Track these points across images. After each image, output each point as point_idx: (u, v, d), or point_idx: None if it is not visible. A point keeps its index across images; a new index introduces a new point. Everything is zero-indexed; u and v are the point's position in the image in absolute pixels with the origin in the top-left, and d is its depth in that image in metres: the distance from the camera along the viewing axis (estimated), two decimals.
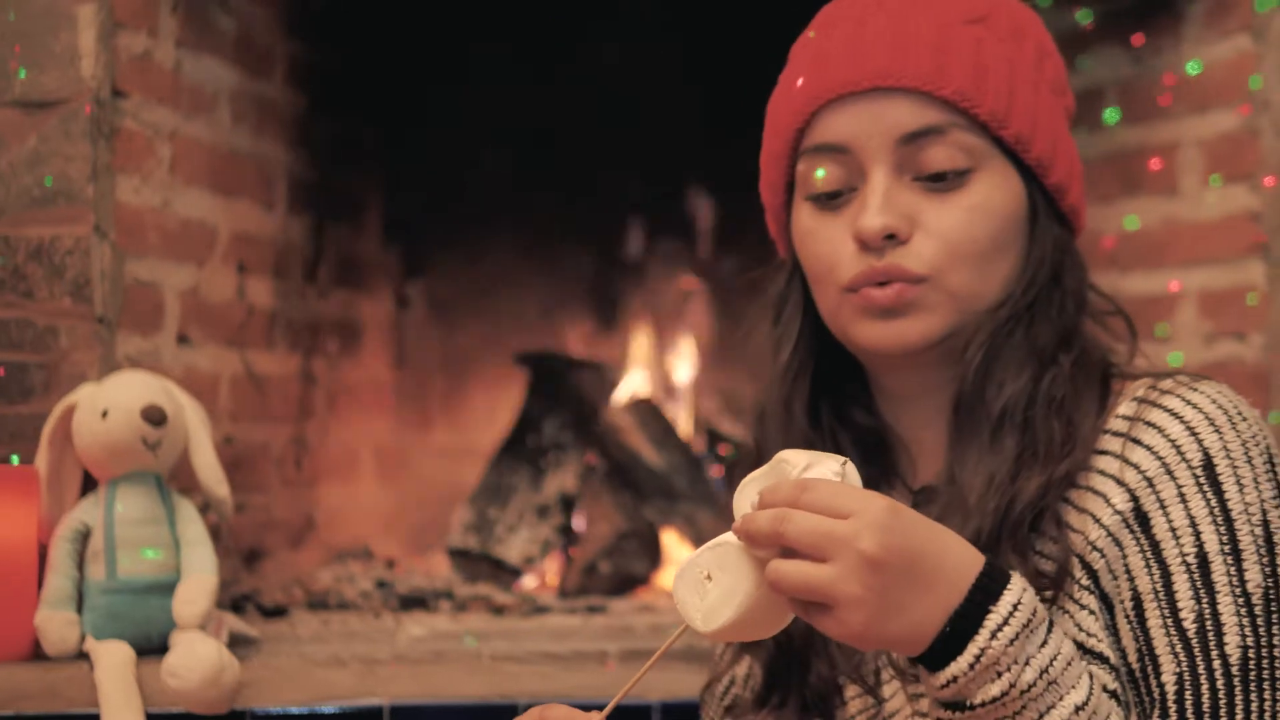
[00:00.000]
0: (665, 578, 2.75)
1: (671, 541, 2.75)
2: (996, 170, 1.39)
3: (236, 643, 2.06)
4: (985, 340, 1.39)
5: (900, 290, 1.37)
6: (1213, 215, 2.39)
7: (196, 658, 1.87)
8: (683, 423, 3.15)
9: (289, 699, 1.97)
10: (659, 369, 3.29)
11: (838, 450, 1.34)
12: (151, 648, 1.95)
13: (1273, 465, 1.30)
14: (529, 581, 2.69)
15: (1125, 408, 1.35)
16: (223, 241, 2.48)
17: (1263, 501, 1.28)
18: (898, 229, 1.36)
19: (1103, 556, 1.32)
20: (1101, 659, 1.30)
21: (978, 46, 1.39)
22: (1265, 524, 1.28)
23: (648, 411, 2.92)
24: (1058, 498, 1.34)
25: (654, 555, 2.71)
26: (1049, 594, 1.32)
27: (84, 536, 1.98)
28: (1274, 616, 1.26)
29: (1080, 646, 1.30)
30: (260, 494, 2.64)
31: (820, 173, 1.42)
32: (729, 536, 1.22)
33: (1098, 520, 1.32)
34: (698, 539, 2.75)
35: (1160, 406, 1.33)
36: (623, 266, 3.36)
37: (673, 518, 2.77)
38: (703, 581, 1.24)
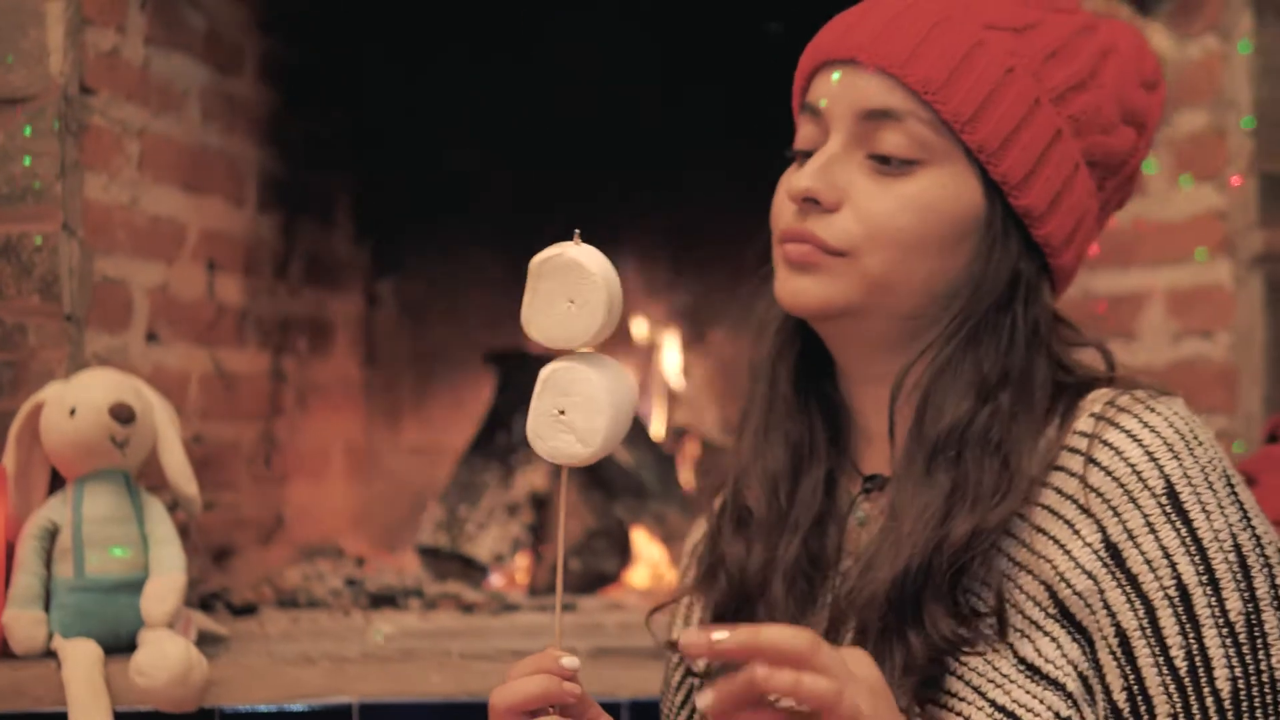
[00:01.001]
0: (635, 576, 2.75)
1: (641, 540, 2.75)
2: (950, 171, 1.36)
3: (205, 641, 2.06)
4: (930, 359, 1.37)
5: (808, 252, 1.37)
6: (1181, 215, 2.40)
7: (165, 656, 1.87)
8: (653, 421, 3.15)
9: (257, 697, 1.97)
10: (630, 367, 3.29)
11: (810, 422, 1.48)
12: (120, 646, 1.94)
13: (1233, 488, 1.29)
14: (498, 579, 2.69)
15: (1083, 423, 1.33)
16: (192, 239, 2.48)
17: (1230, 526, 1.28)
18: (820, 195, 1.36)
19: (1074, 591, 1.29)
20: (1057, 685, 1.28)
21: (976, 48, 1.36)
22: (1237, 548, 1.27)
23: None
24: (987, 546, 1.31)
25: (624, 553, 2.72)
26: (987, 632, 1.30)
27: (52, 535, 1.97)
28: (1258, 643, 1.26)
29: (1036, 670, 1.29)
30: (229, 492, 2.64)
31: (802, 131, 1.44)
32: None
33: (1066, 550, 1.30)
34: (667, 537, 2.76)
35: (1118, 426, 1.31)
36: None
37: (642, 516, 2.77)
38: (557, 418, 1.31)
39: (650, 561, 2.77)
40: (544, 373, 1.30)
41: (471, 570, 2.67)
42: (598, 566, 2.66)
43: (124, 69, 2.27)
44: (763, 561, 1.45)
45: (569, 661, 1.33)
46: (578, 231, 1.36)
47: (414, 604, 2.50)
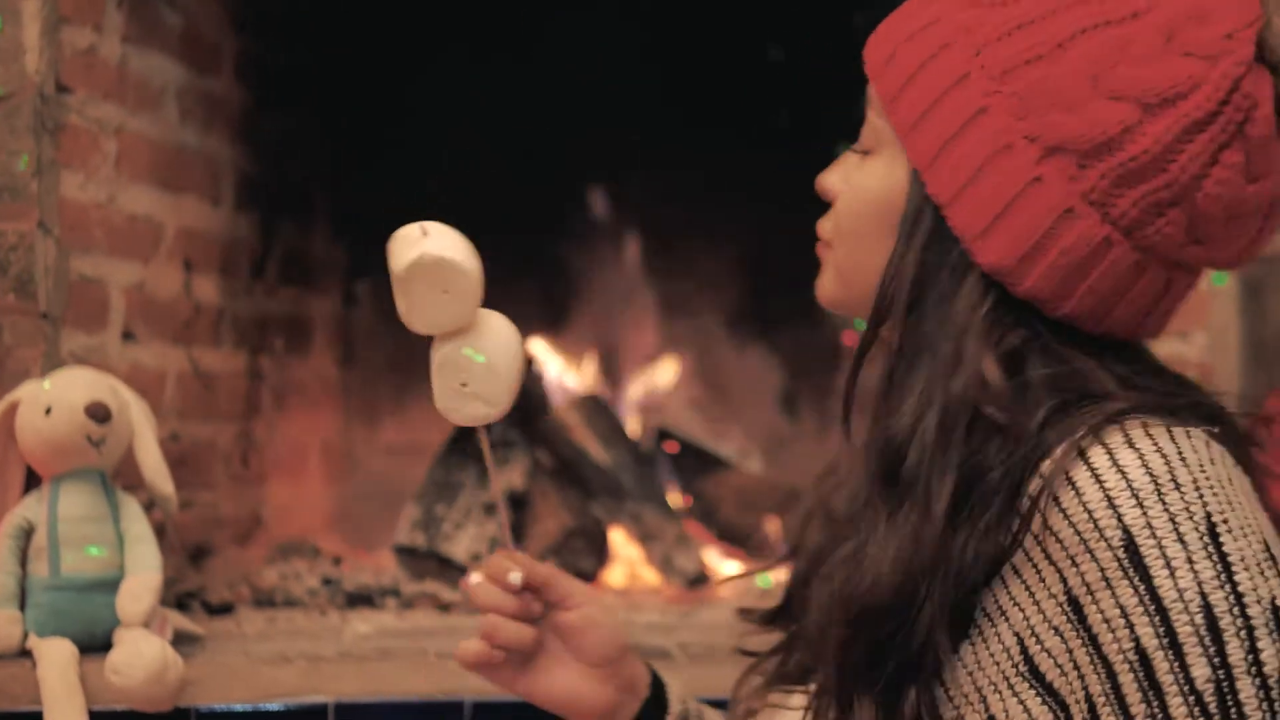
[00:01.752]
0: (613, 575, 2.76)
1: (619, 539, 2.75)
2: (888, 158, 1.31)
3: (181, 640, 2.06)
4: (881, 366, 1.32)
5: (818, 246, 1.37)
6: None
7: (140, 655, 1.86)
8: (630, 420, 3.16)
9: (233, 696, 1.97)
10: (608, 366, 3.30)
11: None
12: (95, 645, 1.94)
13: (1214, 538, 1.13)
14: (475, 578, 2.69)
15: (1062, 449, 1.19)
16: (169, 238, 2.47)
17: (1200, 584, 1.12)
18: (823, 189, 1.36)
19: (1043, 648, 1.19)
20: None
21: (940, 35, 1.27)
22: (1206, 609, 1.11)
23: (595, 409, 2.93)
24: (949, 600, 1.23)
25: (601, 553, 2.72)
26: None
27: (27, 534, 1.97)
28: (1231, 714, 1.11)
29: None
30: (206, 491, 2.63)
31: None
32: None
33: (1034, 599, 1.19)
34: (645, 537, 2.76)
35: (1086, 461, 1.17)
36: (572, 264, 3.36)
37: (620, 515, 2.77)
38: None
39: (627, 561, 2.77)
40: (436, 357, 1.42)
41: (449, 570, 2.67)
42: (575, 566, 2.66)
43: (101, 67, 2.26)
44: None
45: (514, 577, 1.44)
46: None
47: (391, 603, 2.50)
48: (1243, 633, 1.11)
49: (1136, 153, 1.18)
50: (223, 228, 2.69)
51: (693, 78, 3.17)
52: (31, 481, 2.03)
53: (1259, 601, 1.12)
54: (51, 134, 2.14)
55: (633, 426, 3.14)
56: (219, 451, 2.69)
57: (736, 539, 2.93)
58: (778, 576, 1.50)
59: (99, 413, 1.96)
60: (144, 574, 1.97)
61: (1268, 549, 1.15)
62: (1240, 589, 1.12)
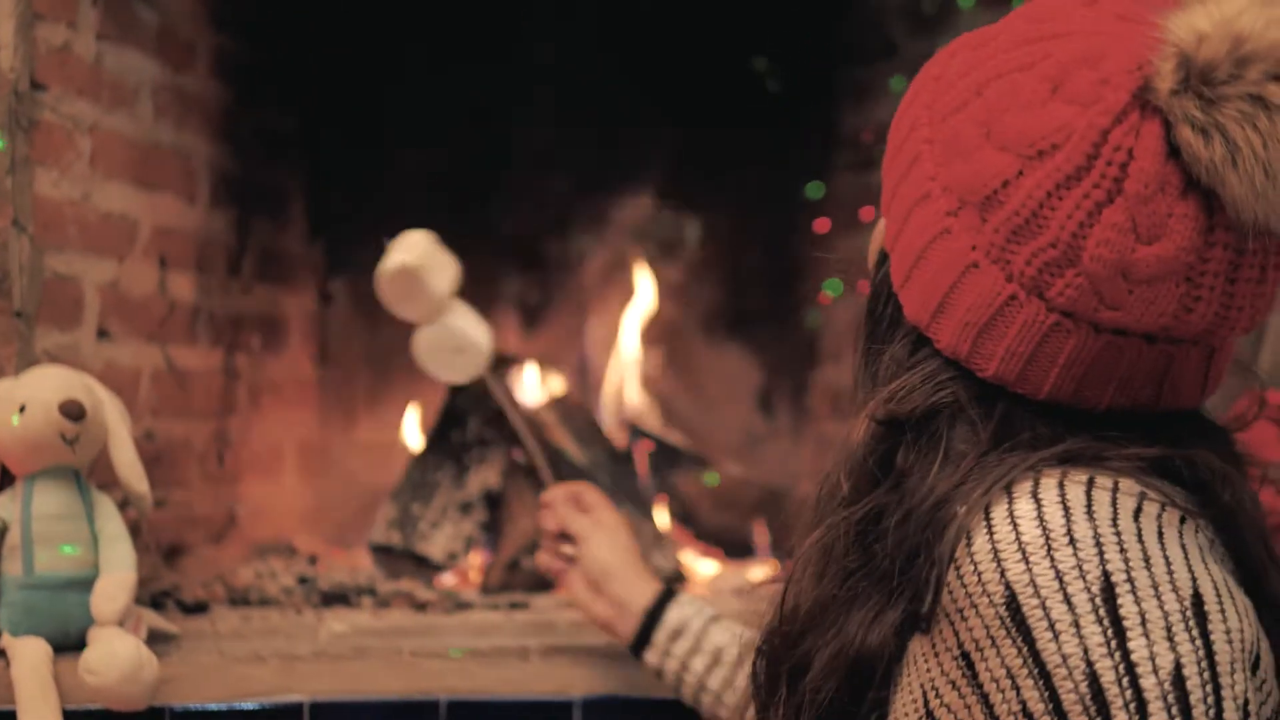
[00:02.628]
0: None
1: None
2: None
3: (155, 639, 2.05)
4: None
5: None
6: None
7: (115, 654, 1.86)
8: (606, 419, 3.15)
9: (208, 695, 1.96)
10: (584, 366, 3.30)
11: None
12: (69, 644, 1.93)
13: (1109, 600, 1.06)
14: (451, 578, 2.69)
15: (973, 499, 1.15)
16: (144, 235, 2.47)
17: (1086, 651, 1.05)
18: None
19: (942, 702, 1.15)
20: None
21: (919, 83, 1.27)
22: (1091, 678, 1.04)
23: (571, 408, 2.93)
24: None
25: None
26: None
27: (1, 532, 1.96)
28: None
29: None
30: (181, 490, 2.63)
31: None
32: None
33: (936, 653, 1.16)
34: None
35: (986, 515, 1.12)
36: (548, 263, 3.36)
37: None
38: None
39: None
40: (423, 347, 2.20)
41: (424, 568, 2.67)
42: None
43: (75, 64, 2.26)
44: None
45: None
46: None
47: (366, 602, 2.49)
48: (1131, 705, 1.03)
49: (1017, 206, 1.13)
50: (198, 225, 2.69)
51: (666, 78, 3.17)
52: (5, 480, 2.03)
53: (1155, 671, 1.03)
54: (25, 131, 2.13)
55: (608, 426, 3.14)
56: (194, 450, 2.68)
57: (713, 538, 2.94)
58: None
59: (73, 411, 1.95)
60: (118, 573, 1.97)
61: (1188, 610, 1.06)
62: (1133, 657, 1.04)
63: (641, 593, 1.85)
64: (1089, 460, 1.15)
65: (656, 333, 3.33)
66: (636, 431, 3.12)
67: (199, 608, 2.38)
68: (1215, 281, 1.12)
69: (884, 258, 1.28)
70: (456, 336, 2.32)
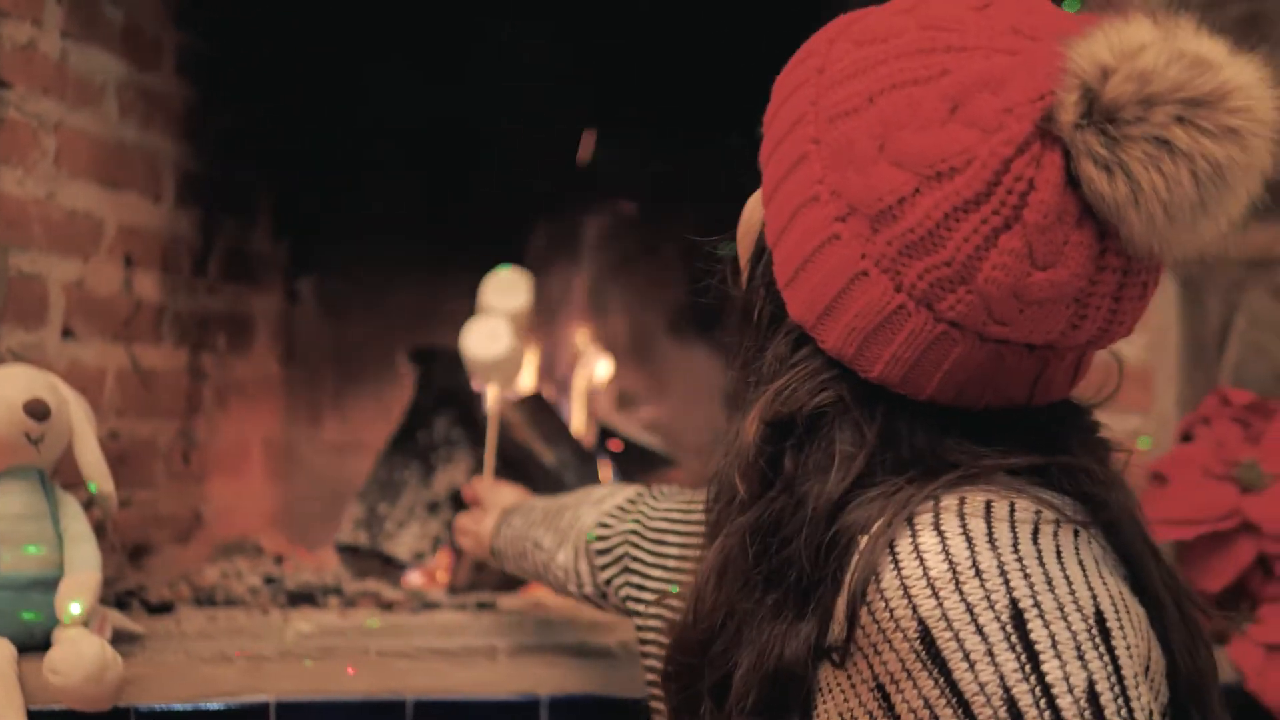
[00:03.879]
0: None
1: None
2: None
3: (120, 639, 2.04)
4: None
5: None
6: None
7: (79, 655, 1.85)
8: (575, 419, 3.16)
9: (173, 696, 1.95)
10: (551, 365, 3.30)
11: None
12: (34, 645, 1.92)
13: (1020, 626, 1.08)
14: (418, 577, 2.68)
15: (876, 528, 1.15)
16: (109, 234, 2.46)
17: (1002, 677, 1.07)
18: None
19: None
20: None
21: (800, 75, 1.24)
22: (1009, 702, 1.06)
23: (539, 407, 2.93)
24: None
25: None
26: None
27: None
28: None
29: None
30: (146, 489, 2.62)
31: None
32: None
33: (851, 683, 1.16)
34: None
35: (891, 547, 1.13)
36: (515, 263, 3.36)
37: None
38: None
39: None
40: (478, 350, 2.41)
41: (391, 568, 2.67)
42: None
43: (40, 62, 2.25)
44: None
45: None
46: None
47: (333, 602, 2.49)
48: None
49: (913, 224, 1.12)
50: (164, 224, 2.68)
51: (635, 82, 3.18)
52: None
53: (1070, 690, 1.06)
54: None
55: (576, 425, 3.14)
56: (159, 449, 2.68)
57: None
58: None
59: (38, 410, 1.95)
60: (83, 573, 1.96)
61: (1093, 627, 1.09)
62: (1048, 679, 1.06)
63: (505, 499, 2.20)
64: (983, 480, 1.16)
65: (625, 332, 3.33)
66: (605, 431, 3.12)
67: (164, 608, 2.37)
68: (1102, 301, 1.14)
69: (761, 252, 1.28)
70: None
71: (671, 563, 1.67)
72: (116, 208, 2.48)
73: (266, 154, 3.17)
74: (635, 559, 1.72)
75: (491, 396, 2.51)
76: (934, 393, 1.18)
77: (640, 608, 1.69)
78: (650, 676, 1.62)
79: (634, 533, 1.75)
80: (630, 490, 1.85)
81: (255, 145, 3.11)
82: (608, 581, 1.78)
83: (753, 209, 1.34)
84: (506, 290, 2.48)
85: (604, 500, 1.86)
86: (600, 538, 1.80)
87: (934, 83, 1.13)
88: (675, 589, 1.60)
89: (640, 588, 1.70)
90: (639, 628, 1.68)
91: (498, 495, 2.26)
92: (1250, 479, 2.21)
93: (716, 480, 1.32)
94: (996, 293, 1.11)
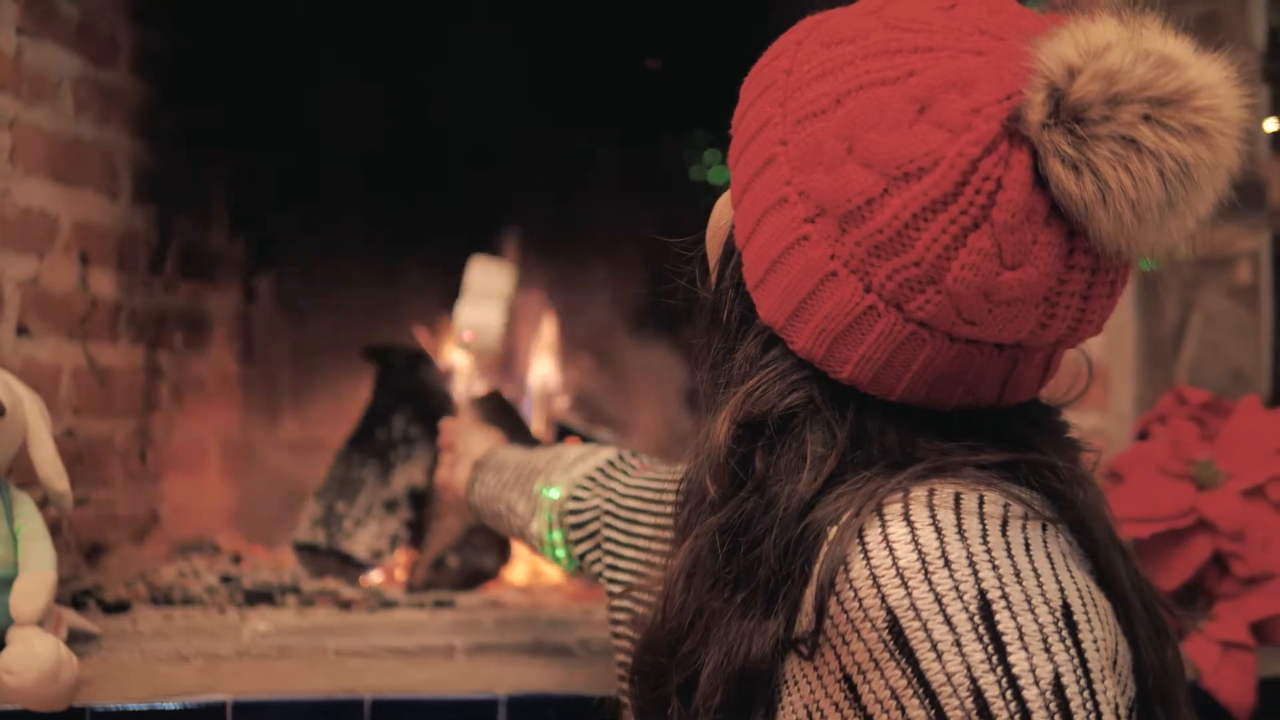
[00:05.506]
0: (514, 573, 2.75)
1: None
2: None
3: (76, 639, 2.03)
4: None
5: None
6: None
7: (34, 654, 1.84)
8: (533, 417, 3.15)
9: (129, 696, 1.95)
10: (511, 362, 3.29)
11: None
12: None
13: (987, 618, 1.09)
14: (376, 576, 2.68)
15: (844, 520, 1.16)
16: (65, 232, 2.44)
17: (969, 667, 1.07)
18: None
19: None
20: None
21: (768, 76, 1.24)
22: (976, 693, 1.07)
23: (497, 405, 2.92)
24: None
25: (503, 550, 2.71)
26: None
27: None
28: None
29: None
30: (103, 488, 2.60)
31: None
32: None
33: (818, 674, 1.17)
34: None
35: (860, 537, 1.14)
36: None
37: None
38: None
39: (529, 559, 2.76)
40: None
41: (349, 567, 2.66)
42: (476, 563, 2.66)
43: None
44: None
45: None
46: None
47: (291, 601, 2.48)
48: (1016, 716, 1.06)
49: (882, 225, 1.12)
50: (120, 221, 2.66)
51: (596, 77, 3.18)
52: None
53: (1036, 682, 1.07)
54: None
55: (535, 423, 3.14)
56: (115, 448, 2.66)
57: None
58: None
59: None
60: (38, 572, 1.95)
61: (1060, 620, 1.10)
62: (1014, 670, 1.07)
63: (478, 445, 2.19)
64: (951, 472, 1.17)
65: (583, 330, 3.33)
66: (562, 429, 3.12)
67: (120, 607, 2.36)
68: (1071, 300, 1.15)
69: (731, 253, 1.29)
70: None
71: (643, 542, 1.68)
72: (72, 205, 2.47)
73: (224, 151, 3.16)
74: (609, 539, 1.74)
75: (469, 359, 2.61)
76: (904, 393, 1.19)
77: (615, 589, 1.70)
78: (621, 671, 1.62)
79: (607, 511, 1.76)
80: (600, 457, 1.86)
81: (212, 142, 3.10)
82: (581, 555, 1.79)
83: (722, 210, 1.34)
84: (495, 273, 2.55)
85: (574, 466, 1.87)
86: (574, 511, 1.80)
87: (901, 84, 1.13)
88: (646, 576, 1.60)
89: (614, 568, 1.72)
90: (612, 608, 1.68)
91: (471, 442, 2.21)
92: (1206, 477, 2.23)
93: (686, 481, 1.32)
94: (965, 292, 1.12)
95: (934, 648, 1.08)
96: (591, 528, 1.77)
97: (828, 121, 1.16)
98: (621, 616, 1.65)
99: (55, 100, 2.42)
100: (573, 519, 1.80)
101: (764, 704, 1.21)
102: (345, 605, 2.46)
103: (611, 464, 1.82)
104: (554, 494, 1.85)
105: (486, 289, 2.48)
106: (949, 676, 1.07)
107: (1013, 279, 1.11)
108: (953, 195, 1.10)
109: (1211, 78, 1.08)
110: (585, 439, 3.08)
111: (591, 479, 1.81)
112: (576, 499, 1.80)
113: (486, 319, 2.44)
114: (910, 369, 1.17)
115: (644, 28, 3.08)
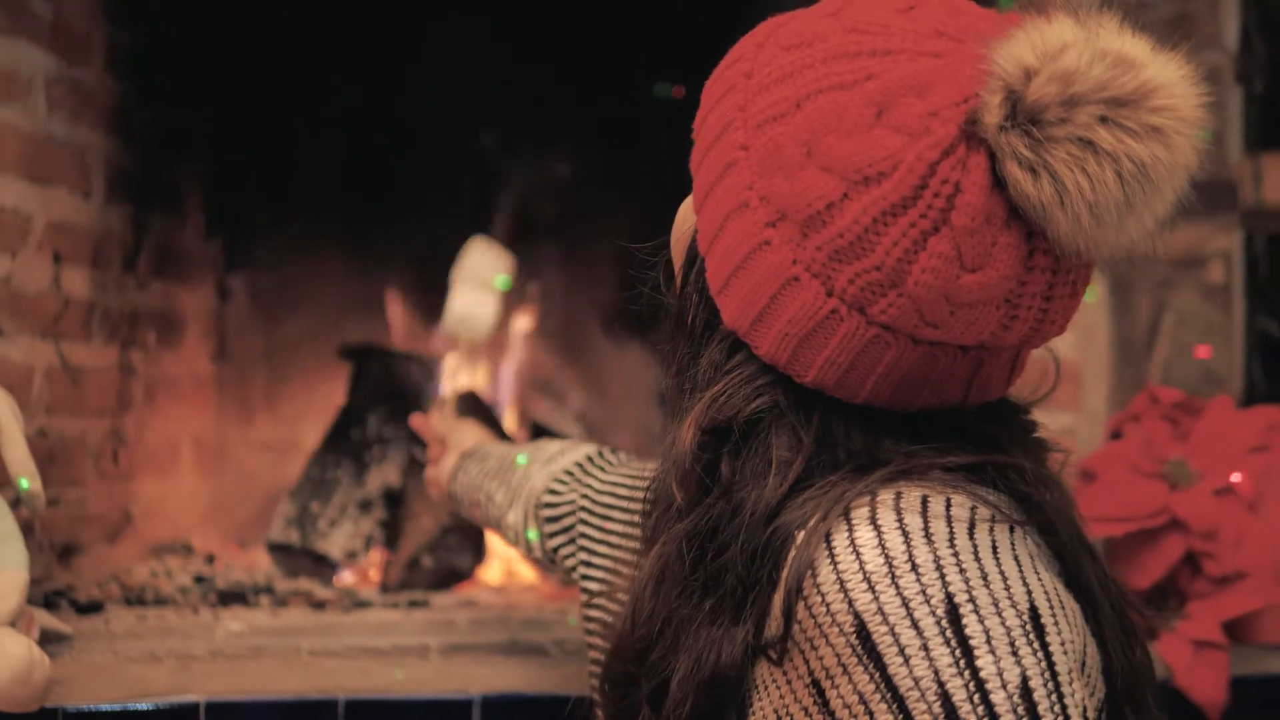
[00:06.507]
0: (489, 573, 2.75)
1: (495, 537, 2.75)
2: None
3: (48, 640, 2.03)
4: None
5: None
6: None
7: (5, 655, 1.83)
8: (507, 416, 3.15)
9: (102, 696, 1.94)
10: (484, 362, 3.29)
11: None
12: None
13: (955, 621, 1.08)
14: (350, 576, 2.67)
15: (812, 523, 1.16)
16: (37, 230, 2.43)
17: (936, 672, 1.07)
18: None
19: None
20: None
21: (729, 79, 1.24)
22: (943, 697, 1.06)
23: (472, 404, 2.92)
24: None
25: (477, 549, 2.71)
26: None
27: None
28: None
29: None
30: (75, 488, 2.60)
31: None
32: None
33: (787, 679, 1.16)
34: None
35: (827, 541, 1.13)
36: (447, 260, 3.35)
37: None
38: None
39: (503, 558, 2.76)
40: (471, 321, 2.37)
41: (323, 567, 2.65)
42: (450, 563, 2.66)
43: None
44: None
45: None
46: None
47: (264, 601, 2.48)
48: None
49: (842, 229, 1.12)
50: (93, 220, 2.66)
51: (570, 77, 3.18)
52: None
53: (1004, 686, 1.06)
54: None
55: (509, 423, 3.14)
56: (88, 448, 2.65)
57: None
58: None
59: None
60: (10, 572, 1.94)
61: (1027, 623, 1.10)
62: (982, 674, 1.07)
63: (468, 438, 2.16)
64: (918, 475, 1.17)
65: (558, 331, 3.33)
66: (537, 428, 3.12)
67: (93, 607, 2.35)
68: (1033, 301, 1.15)
69: (694, 258, 1.28)
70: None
71: (616, 539, 1.68)
72: (45, 203, 2.46)
73: (197, 150, 3.15)
74: (584, 535, 1.73)
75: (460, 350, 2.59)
76: (869, 395, 1.18)
77: (590, 585, 1.69)
78: (593, 668, 1.62)
79: (582, 508, 1.76)
80: (579, 452, 1.85)
81: (186, 141, 3.10)
82: (555, 549, 1.79)
83: (685, 215, 1.34)
84: (492, 257, 2.50)
85: (554, 460, 1.87)
86: (549, 504, 1.80)
87: (859, 87, 1.13)
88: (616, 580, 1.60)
89: (588, 564, 1.71)
90: (585, 604, 1.68)
91: (460, 435, 2.19)
92: (1179, 476, 2.23)
93: (654, 487, 1.32)
94: (927, 295, 1.12)
95: (901, 652, 1.08)
96: (566, 523, 1.77)
97: (788, 126, 1.15)
98: (595, 617, 1.65)
99: (28, 99, 2.41)
100: (548, 512, 1.80)
101: (734, 710, 1.20)
102: (319, 605, 2.46)
103: (590, 459, 1.82)
104: (534, 485, 1.85)
105: (482, 274, 2.42)
106: (916, 681, 1.07)
107: (973, 281, 1.11)
108: (912, 199, 1.10)
109: (1169, 77, 1.08)
110: (558, 437, 3.08)
111: (569, 473, 1.81)
112: (553, 493, 1.81)
113: (479, 307, 2.40)
114: (874, 372, 1.17)
115: (621, 27, 3.09)
